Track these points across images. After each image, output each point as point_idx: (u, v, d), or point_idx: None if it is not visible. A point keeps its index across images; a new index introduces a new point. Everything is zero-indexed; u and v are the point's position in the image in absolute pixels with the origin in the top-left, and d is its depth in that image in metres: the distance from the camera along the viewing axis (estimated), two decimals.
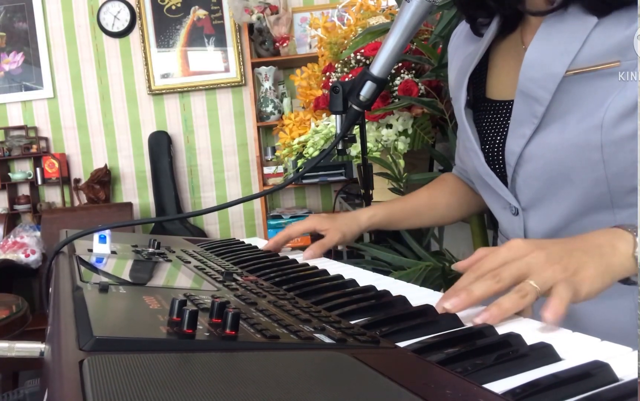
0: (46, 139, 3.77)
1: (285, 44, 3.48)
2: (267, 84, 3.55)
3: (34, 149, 3.65)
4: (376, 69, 0.92)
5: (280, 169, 2.78)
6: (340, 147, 1.00)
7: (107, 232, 0.81)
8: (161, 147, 3.70)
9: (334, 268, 0.81)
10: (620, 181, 0.66)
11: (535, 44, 0.71)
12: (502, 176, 0.79)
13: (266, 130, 3.77)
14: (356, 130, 1.04)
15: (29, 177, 3.70)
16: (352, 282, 0.70)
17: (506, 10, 0.78)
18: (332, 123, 1.55)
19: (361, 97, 0.93)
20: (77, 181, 3.79)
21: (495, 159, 0.79)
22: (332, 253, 0.98)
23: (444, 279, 1.17)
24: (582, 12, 0.67)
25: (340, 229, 0.95)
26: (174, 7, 3.68)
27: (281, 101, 3.59)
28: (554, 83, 0.68)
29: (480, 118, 0.83)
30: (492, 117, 0.81)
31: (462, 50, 0.88)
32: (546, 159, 0.71)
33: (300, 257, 0.92)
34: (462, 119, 0.83)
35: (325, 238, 0.95)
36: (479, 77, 0.85)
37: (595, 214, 0.70)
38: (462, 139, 0.86)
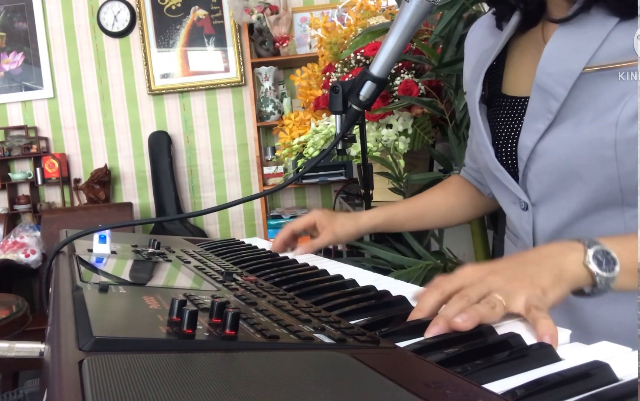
0: (46, 139, 3.77)
1: (285, 44, 3.48)
2: (267, 84, 3.54)
3: (34, 149, 3.65)
4: (376, 69, 0.92)
5: (280, 169, 2.78)
6: (340, 147, 1.00)
7: (107, 232, 0.81)
8: (161, 147, 3.70)
9: (334, 267, 0.81)
10: (632, 180, 0.66)
11: (555, 40, 0.71)
12: (513, 171, 0.79)
13: (266, 130, 3.77)
14: (356, 130, 1.04)
15: (29, 177, 3.70)
16: (352, 282, 0.70)
17: (528, 7, 0.78)
18: (332, 123, 1.55)
19: (361, 97, 0.93)
20: (77, 181, 3.79)
21: (507, 154, 0.79)
22: (333, 253, 0.99)
23: None
24: (605, 13, 0.67)
25: (334, 231, 0.96)
26: (174, 7, 3.68)
27: (281, 101, 3.59)
28: (571, 79, 0.68)
29: (494, 114, 0.83)
30: (506, 112, 0.80)
31: (480, 46, 0.88)
32: (559, 155, 0.71)
33: (300, 258, 0.92)
34: (475, 113, 0.83)
35: (317, 239, 0.96)
36: (495, 73, 0.85)
37: (605, 212, 0.70)
38: (475, 134, 0.86)
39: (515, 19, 0.81)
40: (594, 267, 0.54)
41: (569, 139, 0.69)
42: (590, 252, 0.55)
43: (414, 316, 0.52)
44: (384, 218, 1.00)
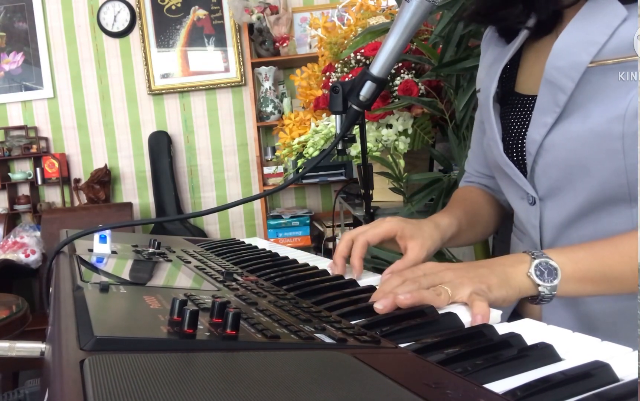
0: (46, 139, 3.77)
1: (285, 44, 3.48)
2: (267, 84, 3.55)
3: (34, 149, 3.65)
4: (376, 69, 0.92)
5: (280, 169, 2.78)
6: (340, 147, 1.00)
7: (107, 232, 0.81)
8: (161, 147, 3.70)
9: None
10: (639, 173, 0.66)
11: (564, 35, 0.72)
12: (522, 166, 0.79)
13: (266, 130, 3.77)
14: (356, 130, 1.04)
15: (29, 177, 3.70)
16: (353, 282, 0.70)
17: (542, 13, 0.78)
18: (332, 123, 1.55)
19: (361, 97, 0.93)
20: (77, 181, 3.79)
21: (516, 150, 0.80)
22: (333, 253, 0.98)
23: None
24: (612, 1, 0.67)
25: (425, 245, 0.77)
26: (174, 7, 3.68)
27: (281, 101, 3.59)
28: (578, 72, 0.69)
29: (506, 112, 0.83)
30: (517, 110, 0.81)
31: (496, 46, 0.88)
32: (567, 148, 0.71)
33: (300, 258, 0.92)
34: (488, 108, 0.83)
35: (409, 258, 0.75)
36: (509, 73, 0.85)
37: (612, 207, 0.70)
38: (486, 130, 0.86)
39: (530, 22, 0.82)
40: (535, 277, 0.62)
41: (576, 132, 0.70)
42: (534, 264, 0.62)
43: (375, 297, 0.59)
44: (455, 229, 0.85)
